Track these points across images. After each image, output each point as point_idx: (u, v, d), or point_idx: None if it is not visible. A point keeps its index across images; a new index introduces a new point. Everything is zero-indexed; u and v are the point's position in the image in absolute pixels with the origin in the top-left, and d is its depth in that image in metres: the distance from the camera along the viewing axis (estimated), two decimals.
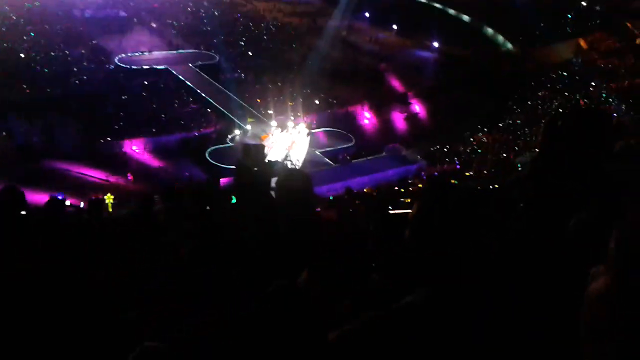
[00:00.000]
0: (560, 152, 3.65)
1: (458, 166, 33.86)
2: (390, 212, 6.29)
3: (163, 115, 38.04)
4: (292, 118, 38.72)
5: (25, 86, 37.43)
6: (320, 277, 2.41)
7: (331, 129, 39.81)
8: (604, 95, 38.05)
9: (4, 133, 33.12)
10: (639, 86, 37.44)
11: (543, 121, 4.00)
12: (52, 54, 42.49)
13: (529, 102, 41.23)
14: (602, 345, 0.97)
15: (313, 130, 38.92)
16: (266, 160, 12.13)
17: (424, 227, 1.68)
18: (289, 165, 34.12)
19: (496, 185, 12.73)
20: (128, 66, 42.79)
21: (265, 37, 51.05)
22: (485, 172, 31.65)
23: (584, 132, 3.59)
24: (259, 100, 40.86)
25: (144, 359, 1.58)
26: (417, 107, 42.66)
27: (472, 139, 38.18)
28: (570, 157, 3.56)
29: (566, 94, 40.69)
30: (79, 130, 34.19)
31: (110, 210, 12.87)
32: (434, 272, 1.62)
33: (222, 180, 27.74)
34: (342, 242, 2.50)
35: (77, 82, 39.68)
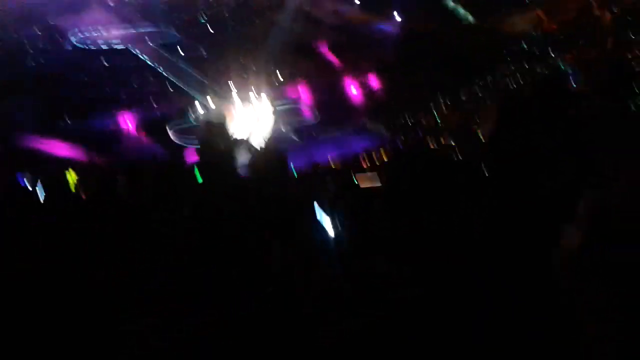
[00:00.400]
0: (519, 125, 3.82)
1: (420, 137, 34.26)
2: (359, 186, 6.43)
3: (124, 96, 37.36)
4: (256, 95, 38.44)
5: None
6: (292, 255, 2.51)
7: (295, 105, 39.71)
8: (561, 66, 38.77)
9: None
10: (596, 58, 38.22)
11: (504, 94, 4.12)
12: (5, 37, 41.08)
13: (490, 75, 41.72)
14: (577, 299, 1.03)
15: (277, 107, 38.73)
16: (230, 138, 12.16)
17: (394, 198, 1.78)
18: (254, 143, 33.98)
19: (460, 157, 12.98)
20: (86, 46, 41.69)
21: (226, 14, 50.11)
22: (448, 143, 32.07)
23: (543, 100, 3.75)
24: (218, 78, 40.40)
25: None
26: (380, 81, 42.78)
27: (434, 112, 38.54)
28: (528, 129, 3.73)
29: (526, 66, 41.26)
30: (39, 112, 33.43)
31: (74, 190, 12.68)
32: (413, 245, 1.73)
33: (188, 159, 27.70)
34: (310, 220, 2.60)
35: (33, 64, 38.58)
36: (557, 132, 3.72)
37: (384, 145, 35.14)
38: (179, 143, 34.52)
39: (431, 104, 39.64)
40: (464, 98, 40.31)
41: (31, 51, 39.70)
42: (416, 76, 42.07)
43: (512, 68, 41.43)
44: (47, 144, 31.55)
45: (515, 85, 37.47)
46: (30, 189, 8.02)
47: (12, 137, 31.34)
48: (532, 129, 3.68)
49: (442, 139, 33.05)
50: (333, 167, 30.33)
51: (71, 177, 18.42)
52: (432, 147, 31.68)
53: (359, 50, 45.65)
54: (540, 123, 3.72)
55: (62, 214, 6.18)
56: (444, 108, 38.85)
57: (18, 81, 35.22)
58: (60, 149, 31.41)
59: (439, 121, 36.90)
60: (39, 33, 41.87)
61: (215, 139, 11.47)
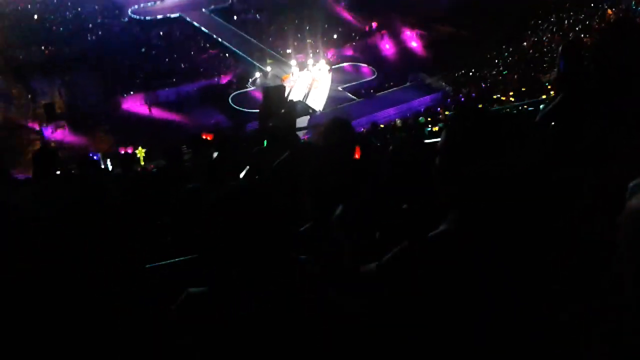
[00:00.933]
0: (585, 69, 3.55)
1: (485, 89, 33.11)
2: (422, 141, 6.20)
3: (182, 65, 37.86)
4: (312, 55, 38.14)
5: (43, 47, 37.49)
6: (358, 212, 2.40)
7: (352, 63, 39.16)
8: (633, 5, 36.32)
9: (29, 95, 33.49)
10: None
11: (571, 34, 3.84)
12: (66, 12, 42.28)
13: (552, 19, 39.65)
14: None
15: (334, 66, 38.34)
16: (288, 101, 12.04)
17: (453, 154, 1.65)
18: (312, 105, 33.90)
19: (525, 105, 12.43)
20: (142, 17, 42.39)
21: None
22: (512, 92, 30.93)
23: (617, 43, 3.46)
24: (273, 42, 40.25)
25: (189, 304, 1.60)
26: (438, 34, 41.45)
27: (496, 60, 37.14)
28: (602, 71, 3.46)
29: (592, 5, 38.92)
30: (101, 85, 34.40)
31: (143, 163, 13.02)
32: (465, 197, 1.62)
33: (249, 125, 27.95)
34: (366, 178, 2.49)
35: (93, 37, 39.58)
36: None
37: (445, 98, 34.34)
38: (239, 109, 35.43)
39: (494, 53, 38.31)
40: (526, 45, 38.65)
41: (90, 25, 40.79)
42: (474, 28, 40.62)
43: (578, 10, 39.26)
44: (113, 118, 32.60)
45: (581, 31, 35.50)
46: (102, 165, 8.26)
47: (80, 109, 32.57)
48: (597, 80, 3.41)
49: (506, 89, 31.90)
50: (393, 124, 29.91)
51: (140, 152, 18.96)
52: (495, 97, 30.67)
53: (415, 3, 44.38)
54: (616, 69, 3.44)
55: (133, 185, 6.28)
56: (507, 56, 37.44)
57: (82, 56, 36.35)
58: (124, 122, 32.40)
59: (503, 70, 35.60)
60: (97, 7, 42.93)
61: (274, 103, 11.41)
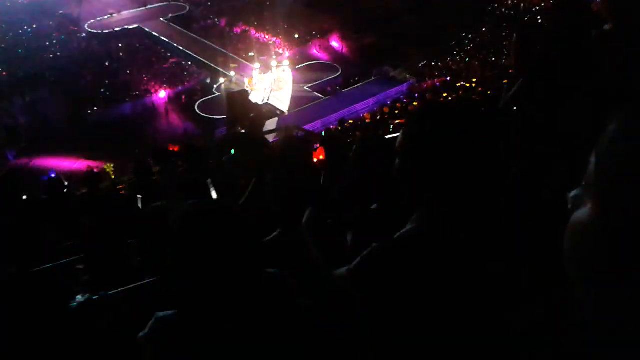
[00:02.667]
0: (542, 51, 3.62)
1: (448, 78, 33.45)
2: (386, 137, 6.22)
3: (145, 76, 37.39)
4: (274, 57, 38.02)
5: (0, 69, 36.65)
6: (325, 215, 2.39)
7: (315, 61, 39.16)
8: None
9: None
10: None
11: (527, 17, 3.90)
12: (20, 31, 41.40)
13: (508, 2, 40.27)
14: (589, 282, 0.86)
15: (298, 66, 38.30)
16: (255, 105, 12.00)
17: (411, 154, 1.64)
18: (278, 106, 33.81)
19: (489, 92, 12.59)
20: (99, 31, 41.73)
21: None
22: (475, 79, 31.32)
23: (563, 20, 3.54)
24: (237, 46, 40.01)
25: (160, 329, 1.57)
26: (401, 28, 41.69)
27: (457, 49, 37.55)
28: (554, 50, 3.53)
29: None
30: (64, 103, 33.75)
31: (113, 177, 12.78)
32: (428, 197, 1.61)
33: (218, 132, 27.72)
34: (332, 181, 2.49)
35: (51, 56, 38.83)
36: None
37: (410, 90, 34.57)
38: (206, 116, 34.89)
39: (453, 42, 38.71)
40: (485, 30, 39.16)
41: (47, 43, 39.99)
42: (434, 17, 40.96)
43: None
44: (76, 134, 31.95)
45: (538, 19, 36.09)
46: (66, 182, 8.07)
47: (43, 128, 31.86)
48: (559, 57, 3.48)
49: (469, 76, 32.28)
50: (360, 119, 30.02)
51: (108, 167, 18.64)
52: (458, 84, 30.99)
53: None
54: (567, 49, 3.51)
55: (102, 202, 6.17)
56: (467, 43, 37.88)
57: (41, 75, 35.59)
58: (88, 137, 31.79)
59: (465, 57, 35.99)
60: (53, 24, 42.11)
61: (239, 108, 11.37)
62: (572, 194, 0.96)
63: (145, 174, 6.77)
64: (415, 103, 29.34)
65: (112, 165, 19.51)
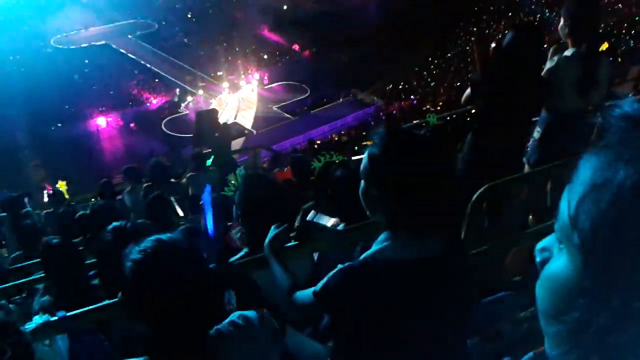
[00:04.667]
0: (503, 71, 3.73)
1: (415, 102, 33.94)
2: (353, 158, 6.28)
3: (111, 92, 36.99)
4: (243, 76, 38.09)
5: None
6: (289, 235, 2.40)
7: (284, 82, 39.35)
8: (546, 12, 38.27)
9: None
10: None
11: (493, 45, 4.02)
12: None
13: (474, 28, 41.24)
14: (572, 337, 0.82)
15: (266, 86, 38.41)
16: (222, 124, 11.98)
17: (374, 177, 1.66)
18: (245, 125, 33.81)
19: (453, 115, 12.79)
20: (66, 47, 41.18)
21: None
22: (441, 103, 31.83)
23: (521, 47, 3.68)
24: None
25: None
26: (368, 49, 42.26)
27: (424, 73, 38.20)
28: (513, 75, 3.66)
29: (510, 14, 40.78)
30: (29, 120, 33.06)
31: (67, 197, 12.40)
32: (393, 222, 1.63)
33: (184, 150, 27.49)
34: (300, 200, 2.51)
35: (14, 71, 38.10)
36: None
37: (377, 113, 34.93)
38: (173, 134, 34.67)
39: (419, 66, 39.38)
40: (451, 55, 39.95)
41: (11, 58, 39.21)
42: (399, 37, 41.64)
43: (499, 18, 41.05)
44: (39, 150, 31.29)
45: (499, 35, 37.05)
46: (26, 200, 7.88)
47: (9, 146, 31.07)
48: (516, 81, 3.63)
49: (435, 100, 32.81)
50: (328, 139, 30.17)
51: (61, 185, 18.16)
52: (425, 108, 31.47)
53: (344, 20, 45.08)
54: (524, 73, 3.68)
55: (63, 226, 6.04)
56: (432, 68, 38.59)
57: (5, 92, 34.76)
58: (52, 153, 31.12)
59: (430, 82, 36.63)
60: (18, 39, 41.34)
61: (207, 127, 11.34)
62: (539, 246, 0.90)
63: (110, 195, 6.67)
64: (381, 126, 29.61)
65: (64, 182, 19.00)
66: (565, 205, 0.76)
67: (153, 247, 1.53)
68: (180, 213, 5.56)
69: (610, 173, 0.69)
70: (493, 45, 3.89)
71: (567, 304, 0.79)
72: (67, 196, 12.44)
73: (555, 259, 0.86)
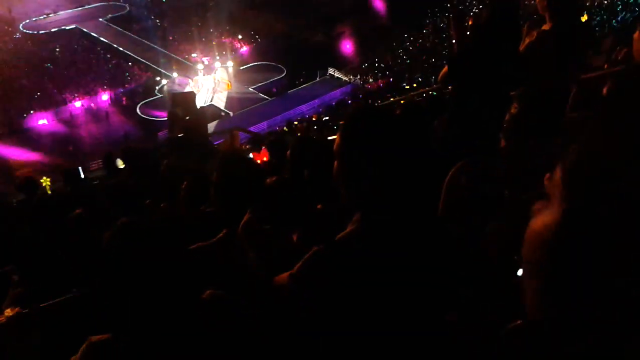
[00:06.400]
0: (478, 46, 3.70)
1: (391, 80, 33.92)
2: (329, 138, 6.24)
3: (84, 78, 36.28)
4: (218, 58, 37.62)
5: None
6: (263, 218, 2.36)
7: (260, 62, 38.96)
8: None
9: None
10: None
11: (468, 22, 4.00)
12: None
13: (448, 4, 41.13)
14: (546, 287, 0.86)
15: (242, 67, 38.00)
16: (198, 107, 11.85)
17: (348, 158, 1.63)
18: (221, 107, 33.53)
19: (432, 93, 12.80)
20: (35, 31, 40.17)
21: None
22: (419, 80, 31.85)
23: (496, 22, 3.66)
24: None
25: (93, 354, 1.48)
26: (342, 27, 41.97)
27: (399, 50, 38.11)
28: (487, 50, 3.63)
29: None
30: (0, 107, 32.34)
31: (49, 192, 12.18)
32: (366, 202, 1.61)
33: (160, 134, 27.21)
34: (278, 182, 2.45)
35: None
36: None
37: (354, 92, 34.86)
38: (148, 118, 34.32)
39: (394, 44, 39.25)
40: (426, 32, 39.87)
41: None
42: (375, 18, 41.47)
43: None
44: (11, 140, 30.66)
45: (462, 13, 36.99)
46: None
47: None
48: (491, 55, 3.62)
49: (411, 78, 32.82)
50: (306, 119, 30.06)
51: (45, 180, 17.89)
52: (402, 85, 31.48)
53: (318, 2, 44.65)
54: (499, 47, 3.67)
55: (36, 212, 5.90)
56: (408, 45, 38.50)
57: None
58: (25, 144, 30.54)
59: (406, 59, 36.57)
60: None
61: (183, 109, 11.19)
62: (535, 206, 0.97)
63: (74, 181, 6.56)
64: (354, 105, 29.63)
65: (48, 179, 18.68)
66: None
67: (120, 230, 1.53)
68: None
69: None
70: (470, 22, 3.86)
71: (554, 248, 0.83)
72: (49, 192, 12.27)
73: (538, 217, 0.89)
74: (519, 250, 1.03)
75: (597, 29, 21.91)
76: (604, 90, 1.96)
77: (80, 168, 16.18)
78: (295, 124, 25.92)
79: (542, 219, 0.90)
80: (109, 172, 6.63)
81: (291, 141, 3.52)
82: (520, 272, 1.30)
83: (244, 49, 40.35)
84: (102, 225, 1.59)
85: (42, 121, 32.63)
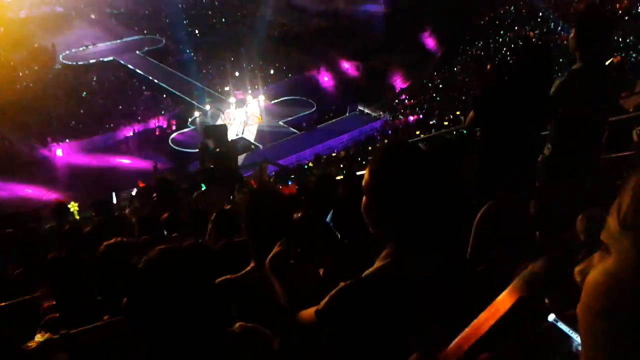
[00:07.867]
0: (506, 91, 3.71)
1: (422, 116, 33.94)
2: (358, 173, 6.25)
3: (120, 107, 37.16)
4: (250, 92, 38.22)
5: None
6: (290, 253, 2.36)
7: (291, 97, 39.46)
8: (551, 24, 38.29)
9: None
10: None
11: (497, 58, 4.03)
12: None
13: (478, 43, 41.30)
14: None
15: (273, 101, 38.53)
16: (229, 139, 12.03)
17: (377, 194, 1.64)
18: (252, 140, 33.93)
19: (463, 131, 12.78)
20: (74, 62, 41.49)
21: (209, 12, 49.96)
22: (449, 117, 31.80)
23: (526, 66, 3.66)
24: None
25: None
26: (371, 64, 42.38)
27: (429, 85, 38.25)
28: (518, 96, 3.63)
29: (516, 27, 40.86)
30: (34, 135, 33.21)
31: (78, 217, 12.40)
32: (396, 237, 1.60)
33: (191, 166, 27.59)
34: (304, 217, 2.47)
35: (24, 85, 38.33)
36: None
37: (384, 127, 34.96)
38: (180, 149, 34.82)
39: (425, 80, 39.47)
40: (457, 70, 40.02)
41: (20, 74, 39.51)
42: (406, 53, 41.83)
43: (504, 32, 41.10)
44: (48, 168, 31.37)
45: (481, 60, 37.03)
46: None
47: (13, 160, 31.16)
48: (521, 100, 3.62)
49: (442, 114, 32.81)
50: (334, 154, 30.18)
51: (73, 206, 18.22)
52: (431, 122, 31.47)
53: (347, 35, 45.37)
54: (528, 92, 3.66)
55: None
56: (438, 82, 38.65)
57: (13, 106, 34.96)
58: (60, 172, 31.21)
59: (436, 96, 36.65)
60: (27, 54, 41.70)
61: (215, 142, 11.38)
62: (577, 269, 0.94)
63: (105, 212, 6.64)
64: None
65: (76, 204, 19.00)
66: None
67: (157, 256, 1.53)
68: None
69: None
70: (489, 67, 3.87)
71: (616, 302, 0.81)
72: (77, 217, 12.46)
73: (599, 266, 0.87)
74: (551, 293, 1.01)
75: (632, 69, 21.69)
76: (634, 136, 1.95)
77: (113, 193, 16.45)
78: (324, 158, 26.06)
79: (604, 266, 0.87)
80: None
81: (312, 179, 3.56)
82: (551, 317, 1.28)
83: (275, 83, 40.95)
84: (135, 254, 1.61)
85: (59, 151, 33.27)
